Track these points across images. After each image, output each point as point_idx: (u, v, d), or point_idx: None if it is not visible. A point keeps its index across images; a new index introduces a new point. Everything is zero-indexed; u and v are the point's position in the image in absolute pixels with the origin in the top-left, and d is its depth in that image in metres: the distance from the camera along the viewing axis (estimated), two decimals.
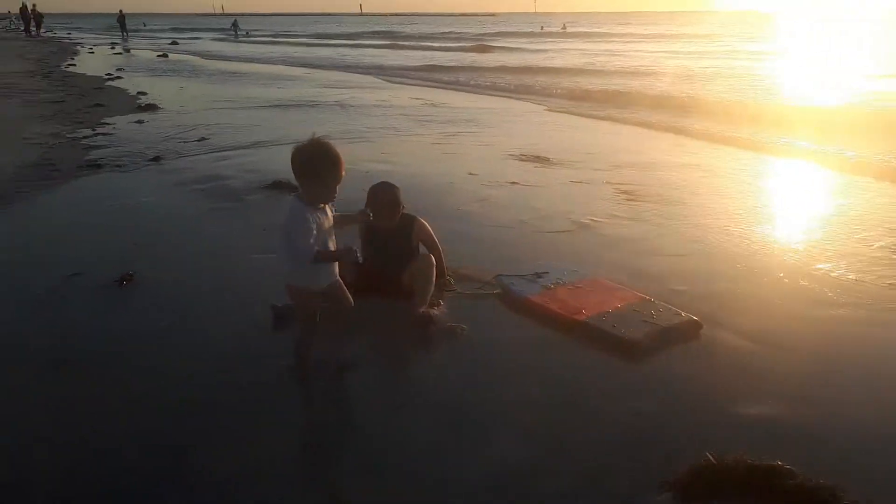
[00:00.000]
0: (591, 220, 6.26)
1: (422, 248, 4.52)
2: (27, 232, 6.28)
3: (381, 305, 4.28)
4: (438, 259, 4.53)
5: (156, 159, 9.33)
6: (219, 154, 9.74)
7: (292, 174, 3.17)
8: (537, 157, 9.37)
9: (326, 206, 3.25)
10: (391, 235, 4.44)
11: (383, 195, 4.34)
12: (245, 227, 6.13)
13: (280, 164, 8.20)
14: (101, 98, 16.85)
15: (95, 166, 8.92)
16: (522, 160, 9.21)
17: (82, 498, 2.67)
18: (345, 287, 3.47)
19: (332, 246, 3.26)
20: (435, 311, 4.15)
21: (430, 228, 4.57)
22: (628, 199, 7.02)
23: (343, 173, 3.15)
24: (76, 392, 3.44)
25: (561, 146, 10.25)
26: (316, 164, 3.09)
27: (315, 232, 3.09)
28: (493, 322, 4.15)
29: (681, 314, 4.02)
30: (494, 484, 2.71)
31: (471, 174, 8.21)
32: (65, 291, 4.71)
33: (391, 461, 2.85)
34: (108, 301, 4.56)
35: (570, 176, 8.22)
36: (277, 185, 7.35)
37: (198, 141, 10.70)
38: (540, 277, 4.54)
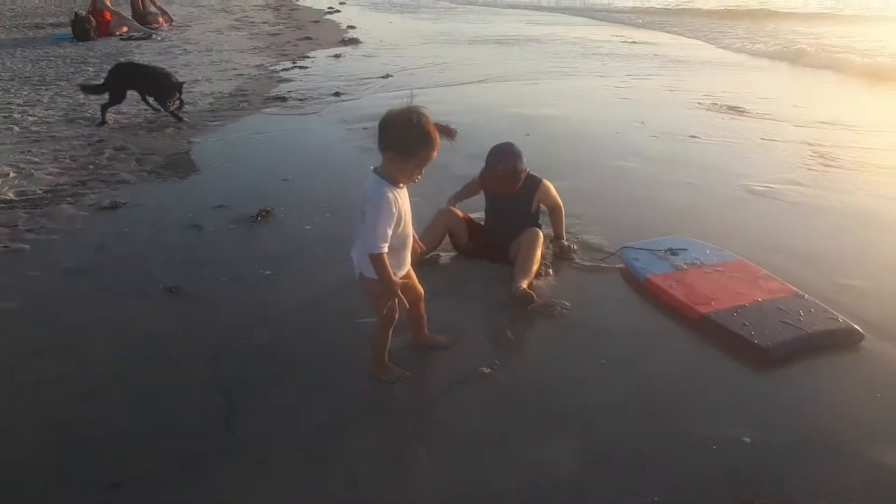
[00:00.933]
0: (769, 186, 5.33)
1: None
2: (198, 162, 6.74)
3: (489, 271, 3.96)
4: (557, 222, 4.13)
5: (336, 94, 9.58)
6: (400, 93, 9.76)
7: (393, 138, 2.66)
8: (731, 107, 8.23)
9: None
10: (511, 197, 4.11)
11: (501, 166, 4.01)
12: None
13: (449, 105, 8.07)
14: (312, 31, 17.82)
15: (280, 99, 9.37)
16: (712, 110, 8.15)
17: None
18: (416, 282, 3.04)
19: (409, 232, 2.82)
20: (538, 283, 3.75)
21: (554, 192, 4.19)
22: (822, 164, 5.88)
23: (435, 155, 2.71)
24: (170, 320, 3.58)
25: (764, 97, 8.91)
26: (413, 141, 2.63)
27: (395, 219, 2.66)
28: (602, 302, 3.66)
29: (837, 319, 3.23)
30: (528, 496, 2.34)
31: (642, 123, 7.41)
32: (204, 220, 4.97)
33: (419, 453, 2.60)
34: (236, 234, 4.73)
35: (763, 132, 7.11)
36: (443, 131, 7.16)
37: (383, 77, 10.80)
38: (674, 254, 3.92)
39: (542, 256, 3.96)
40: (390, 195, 2.63)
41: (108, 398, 2.94)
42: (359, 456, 2.54)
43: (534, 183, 4.12)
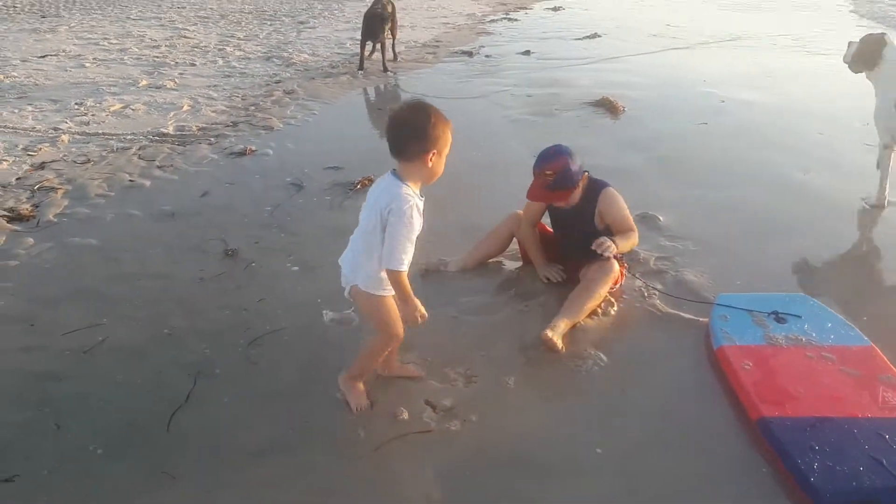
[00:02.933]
0: None
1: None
2: (346, 115, 6.70)
3: (538, 293, 3.36)
4: (631, 236, 3.31)
5: (526, 53, 9.01)
6: (595, 65, 8.92)
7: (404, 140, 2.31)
8: None
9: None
10: (571, 213, 3.36)
11: (549, 169, 3.18)
12: (531, 147, 5.42)
13: (628, 76, 7.15)
14: None
15: (467, 54, 9.04)
16: None
17: None
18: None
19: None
20: (586, 323, 3.07)
21: (620, 203, 3.28)
22: None
23: None
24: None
25: None
26: (445, 132, 2.33)
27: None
28: (653, 366, 2.86)
29: None
30: None
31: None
32: (309, 181, 4.88)
33: None
34: (325, 202, 4.58)
35: None
36: (602, 104, 6.39)
37: (589, 37, 9.95)
38: (779, 320, 2.95)
39: (612, 294, 3.26)
40: (419, 206, 2.32)
41: (97, 356, 2.93)
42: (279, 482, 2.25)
43: (591, 195, 3.30)
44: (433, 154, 2.32)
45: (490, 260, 3.67)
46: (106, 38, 10.10)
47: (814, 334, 2.86)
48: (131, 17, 12.18)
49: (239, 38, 9.99)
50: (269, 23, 11.30)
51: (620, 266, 3.32)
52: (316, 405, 2.66)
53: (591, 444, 2.43)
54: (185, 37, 10.21)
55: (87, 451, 2.41)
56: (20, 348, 3.01)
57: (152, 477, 2.29)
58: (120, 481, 2.29)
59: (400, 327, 2.50)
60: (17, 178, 5.05)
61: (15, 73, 8.02)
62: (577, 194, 3.25)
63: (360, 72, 8.07)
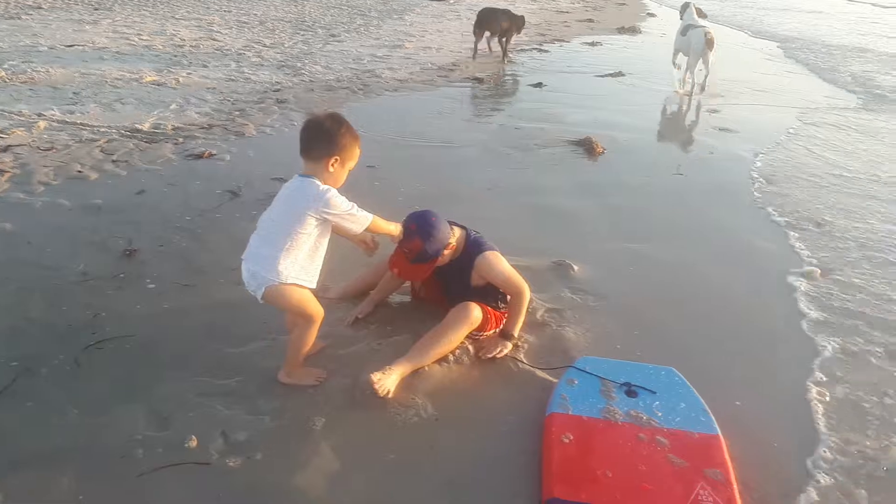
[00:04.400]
0: None
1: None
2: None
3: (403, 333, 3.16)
4: (512, 310, 3.11)
5: (538, 85, 8.84)
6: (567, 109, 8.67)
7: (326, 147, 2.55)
8: None
9: None
10: (448, 267, 3.17)
11: (407, 247, 2.99)
12: (490, 180, 5.25)
13: (593, 120, 6.91)
14: (605, 15, 16.95)
15: (477, 81, 8.93)
16: None
17: None
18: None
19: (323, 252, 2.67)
20: (431, 369, 2.87)
21: (498, 269, 3.07)
22: None
23: None
24: None
25: None
26: (347, 147, 2.58)
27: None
28: (473, 427, 2.64)
29: None
30: None
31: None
32: (248, 190, 4.83)
33: None
34: (254, 212, 4.49)
35: None
36: (583, 144, 6.17)
37: (612, 75, 9.70)
38: (629, 394, 2.68)
39: (480, 341, 3.08)
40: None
41: None
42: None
43: (470, 254, 3.10)
44: (335, 160, 2.53)
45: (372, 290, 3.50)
46: (139, 35, 10.43)
47: (659, 413, 2.59)
48: (175, 16, 12.57)
49: (263, 46, 10.16)
50: (301, 33, 11.47)
51: (491, 312, 3.12)
52: (115, 418, 2.55)
53: (361, 500, 2.24)
54: (213, 39, 10.45)
55: None
56: None
57: None
58: None
59: (321, 309, 2.69)
60: None
61: (34, 60, 8.32)
62: (445, 259, 3.07)
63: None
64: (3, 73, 7.54)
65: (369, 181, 4.93)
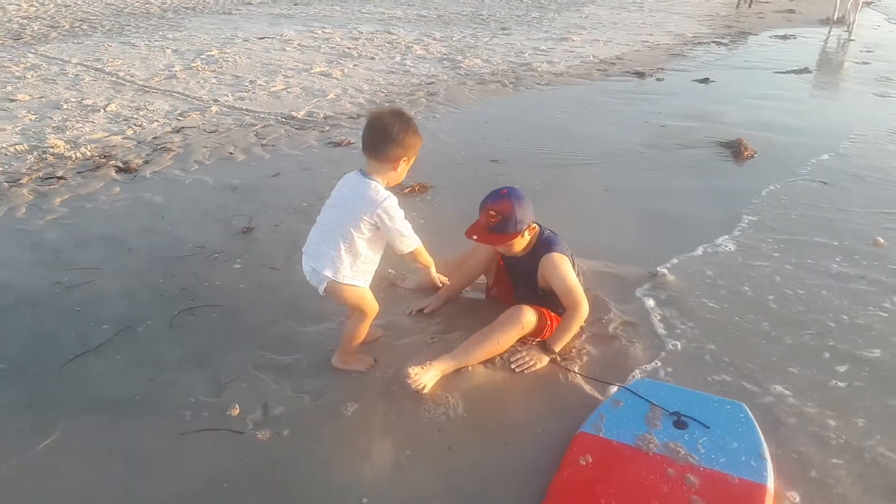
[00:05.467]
0: None
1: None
2: (450, 124, 6.69)
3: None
4: (563, 323, 2.96)
5: (704, 80, 8.26)
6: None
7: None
8: None
9: None
10: (518, 263, 3.10)
11: (494, 208, 2.92)
12: (610, 181, 5.06)
13: (751, 120, 6.29)
14: (810, 5, 15.35)
15: (638, 75, 8.52)
16: None
17: None
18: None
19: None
20: (475, 369, 2.83)
21: (560, 274, 2.92)
22: None
23: None
24: None
25: None
26: (413, 147, 2.62)
27: None
28: (497, 436, 2.56)
29: None
30: None
31: None
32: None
33: None
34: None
35: None
36: (731, 146, 5.71)
37: (795, 71, 8.77)
38: (678, 425, 2.45)
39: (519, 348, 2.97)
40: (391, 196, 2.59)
41: (74, 292, 3.43)
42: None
43: (538, 252, 2.99)
44: (404, 160, 2.57)
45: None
46: (324, 28, 11.22)
47: (702, 451, 2.35)
48: (363, 10, 13.34)
49: (432, 39, 10.47)
50: (473, 26, 11.65)
51: (553, 319, 3.01)
52: (182, 378, 2.83)
53: (364, 491, 2.29)
54: (388, 32, 10.95)
55: None
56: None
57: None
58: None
59: (376, 305, 2.78)
60: (153, 137, 5.91)
61: (228, 50, 9.29)
62: (520, 244, 3.00)
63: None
64: (198, 63, 8.49)
65: (492, 175, 4.95)
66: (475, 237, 2.96)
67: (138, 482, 2.32)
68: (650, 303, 3.38)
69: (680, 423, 2.46)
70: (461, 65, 8.78)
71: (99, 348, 3.04)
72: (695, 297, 3.43)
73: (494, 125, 6.43)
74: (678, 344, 3.06)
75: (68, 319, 3.25)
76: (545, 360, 2.87)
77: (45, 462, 2.39)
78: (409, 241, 2.63)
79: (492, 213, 2.91)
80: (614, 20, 12.31)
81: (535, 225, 3.05)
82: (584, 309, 2.94)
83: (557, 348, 2.90)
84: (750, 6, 14.68)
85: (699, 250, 3.92)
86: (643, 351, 3.01)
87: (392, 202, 2.53)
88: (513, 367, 2.83)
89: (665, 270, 3.65)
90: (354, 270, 2.62)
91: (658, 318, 3.26)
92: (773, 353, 3.00)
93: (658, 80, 8.24)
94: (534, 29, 11.47)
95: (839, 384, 2.80)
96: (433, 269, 2.90)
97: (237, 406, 2.66)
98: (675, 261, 3.77)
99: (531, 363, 2.84)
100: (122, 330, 3.16)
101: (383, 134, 2.52)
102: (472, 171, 5.19)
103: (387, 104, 2.48)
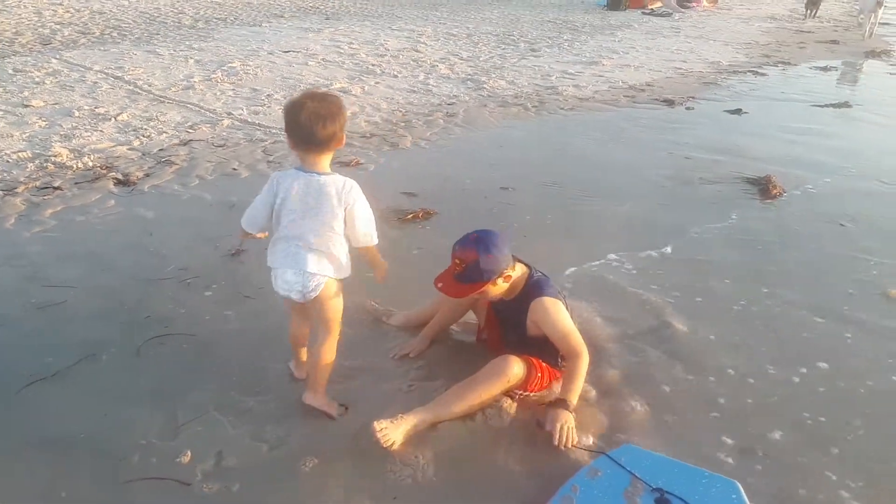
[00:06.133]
0: None
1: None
2: (465, 146, 6.47)
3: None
4: (568, 373, 2.69)
5: (737, 112, 7.93)
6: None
7: None
8: None
9: None
10: (505, 307, 2.85)
11: (458, 254, 2.68)
12: (618, 216, 4.78)
13: (783, 155, 6.00)
14: (852, 36, 14.94)
15: (667, 104, 8.23)
16: None
17: None
18: None
19: None
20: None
21: (552, 320, 2.66)
22: None
23: None
24: None
25: None
26: (342, 110, 2.42)
27: None
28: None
29: None
30: None
31: None
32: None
33: None
34: None
35: None
36: (759, 182, 5.38)
37: (835, 106, 8.41)
38: (659, 501, 2.18)
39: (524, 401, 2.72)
40: None
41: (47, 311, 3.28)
42: None
43: (527, 295, 2.73)
44: (340, 144, 2.40)
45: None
46: (350, 43, 11.13)
47: None
48: (392, 26, 13.25)
49: (459, 58, 10.30)
50: (503, 47, 11.47)
51: (543, 370, 2.74)
52: (137, 417, 2.64)
53: None
54: (415, 50, 10.82)
55: None
56: None
57: None
58: None
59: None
60: (159, 149, 5.79)
61: (250, 63, 9.22)
62: (495, 291, 2.74)
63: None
64: (218, 75, 8.42)
65: (501, 203, 4.76)
66: (440, 285, 2.71)
67: None
68: (656, 355, 3.09)
69: (663, 500, 2.18)
70: (484, 86, 8.58)
71: (56, 376, 2.85)
72: (708, 351, 3.13)
73: (510, 150, 6.20)
74: (685, 405, 2.76)
75: (33, 341, 3.09)
76: (571, 420, 2.54)
77: None
78: (374, 233, 2.49)
79: (456, 260, 2.67)
80: (648, 45, 12.03)
81: (521, 267, 2.80)
82: (585, 355, 2.68)
83: (573, 400, 2.60)
84: (814, 16, 15.77)
85: (712, 298, 3.62)
86: (642, 411, 2.73)
87: (356, 186, 2.42)
88: (558, 444, 2.49)
89: (672, 320, 3.35)
90: (343, 263, 2.48)
91: (665, 370, 2.96)
92: (788, 434, 2.68)
93: (688, 108, 7.93)
94: (564, 52, 11.24)
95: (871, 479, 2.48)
96: (384, 271, 2.64)
97: (188, 452, 2.45)
98: (686, 308, 3.47)
99: (562, 428, 2.50)
100: (86, 356, 2.99)
101: (323, 121, 2.29)
102: (480, 198, 4.96)
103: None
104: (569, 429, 2.51)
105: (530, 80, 9.03)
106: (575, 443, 2.49)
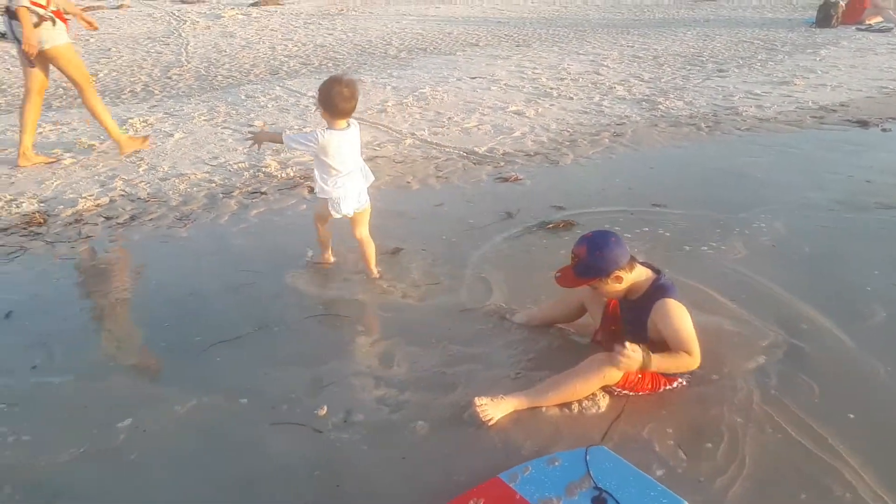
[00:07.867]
0: None
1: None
2: (628, 162, 6.55)
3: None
4: (673, 355, 2.83)
5: None
6: None
7: None
8: None
9: None
10: (628, 308, 3.06)
11: (574, 250, 3.02)
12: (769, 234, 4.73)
13: None
14: None
15: (861, 125, 7.69)
16: None
17: None
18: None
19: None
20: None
21: (672, 321, 2.81)
22: None
23: None
24: None
25: None
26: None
27: None
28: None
29: None
30: None
31: None
32: (524, 214, 5.19)
33: None
34: (517, 232, 4.89)
35: None
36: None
37: None
38: (597, 499, 2.29)
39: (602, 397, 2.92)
40: None
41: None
42: None
43: (651, 297, 2.91)
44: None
45: (559, 324, 3.55)
46: (534, 69, 11.59)
47: None
48: (579, 51, 13.51)
49: (640, 80, 10.33)
50: (689, 67, 11.28)
51: (642, 375, 2.93)
52: (292, 375, 3.25)
53: None
54: (597, 73, 11.01)
55: None
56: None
57: None
58: None
59: None
60: None
61: (439, 88, 10.02)
62: (611, 288, 2.98)
63: None
64: (409, 99, 9.29)
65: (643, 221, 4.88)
66: (557, 274, 3.00)
67: (218, 462, 2.72)
68: (771, 378, 3.11)
69: (599, 500, 2.29)
70: (659, 106, 8.58)
71: (236, 340, 3.56)
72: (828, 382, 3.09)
73: (666, 168, 6.24)
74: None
75: (225, 312, 3.83)
76: (638, 357, 2.73)
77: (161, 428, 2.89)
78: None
79: (573, 253, 2.94)
80: (854, 63, 11.11)
81: (644, 271, 2.99)
82: (697, 358, 2.81)
83: (653, 364, 2.77)
84: None
85: (837, 329, 3.51)
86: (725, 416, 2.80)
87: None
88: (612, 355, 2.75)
89: (797, 341, 3.33)
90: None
91: (771, 389, 3.00)
92: None
93: (884, 130, 7.34)
94: (754, 71, 10.77)
95: None
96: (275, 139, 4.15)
97: (325, 407, 2.98)
98: (805, 329, 3.42)
99: (628, 362, 2.73)
100: (261, 327, 3.67)
101: (355, 96, 3.72)
102: (625, 212, 5.11)
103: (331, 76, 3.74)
104: (630, 361, 2.69)
105: (710, 101, 8.85)
106: (630, 368, 2.70)
